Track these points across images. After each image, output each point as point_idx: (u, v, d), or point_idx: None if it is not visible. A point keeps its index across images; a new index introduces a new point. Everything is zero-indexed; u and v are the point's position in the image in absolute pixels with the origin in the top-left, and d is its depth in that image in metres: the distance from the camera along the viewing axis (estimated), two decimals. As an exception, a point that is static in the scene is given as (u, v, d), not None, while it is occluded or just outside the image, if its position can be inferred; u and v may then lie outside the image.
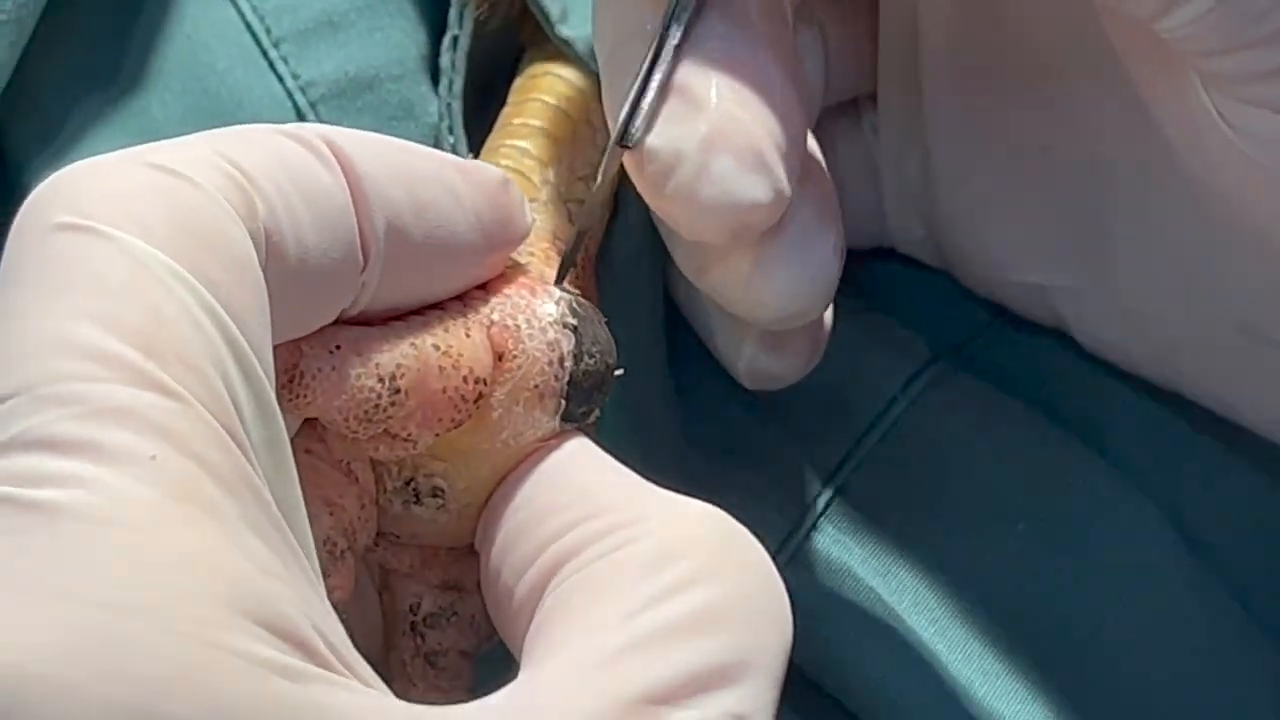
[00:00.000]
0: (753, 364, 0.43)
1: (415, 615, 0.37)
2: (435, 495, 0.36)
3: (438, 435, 0.35)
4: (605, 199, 0.43)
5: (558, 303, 0.36)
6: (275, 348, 0.32)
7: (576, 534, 0.34)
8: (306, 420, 0.35)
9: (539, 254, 0.39)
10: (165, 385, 0.28)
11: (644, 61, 0.37)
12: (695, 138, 0.37)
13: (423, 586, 0.38)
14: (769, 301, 0.40)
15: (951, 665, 0.44)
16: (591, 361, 0.36)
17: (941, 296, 0.47)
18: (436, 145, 0.47)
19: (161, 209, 0.29)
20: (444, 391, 0.34)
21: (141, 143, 0.32)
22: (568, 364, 0.36)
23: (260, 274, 0.30)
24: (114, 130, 0.46)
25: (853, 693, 0.44)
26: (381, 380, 0.33)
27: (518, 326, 0.35)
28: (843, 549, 0.45)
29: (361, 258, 0.33)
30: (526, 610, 0.34)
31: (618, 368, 0.37)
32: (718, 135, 0.37)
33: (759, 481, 0.46)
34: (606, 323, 0.37)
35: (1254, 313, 0.42)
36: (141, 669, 0.26)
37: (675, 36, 0.37)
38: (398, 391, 0.34)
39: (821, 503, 0.45)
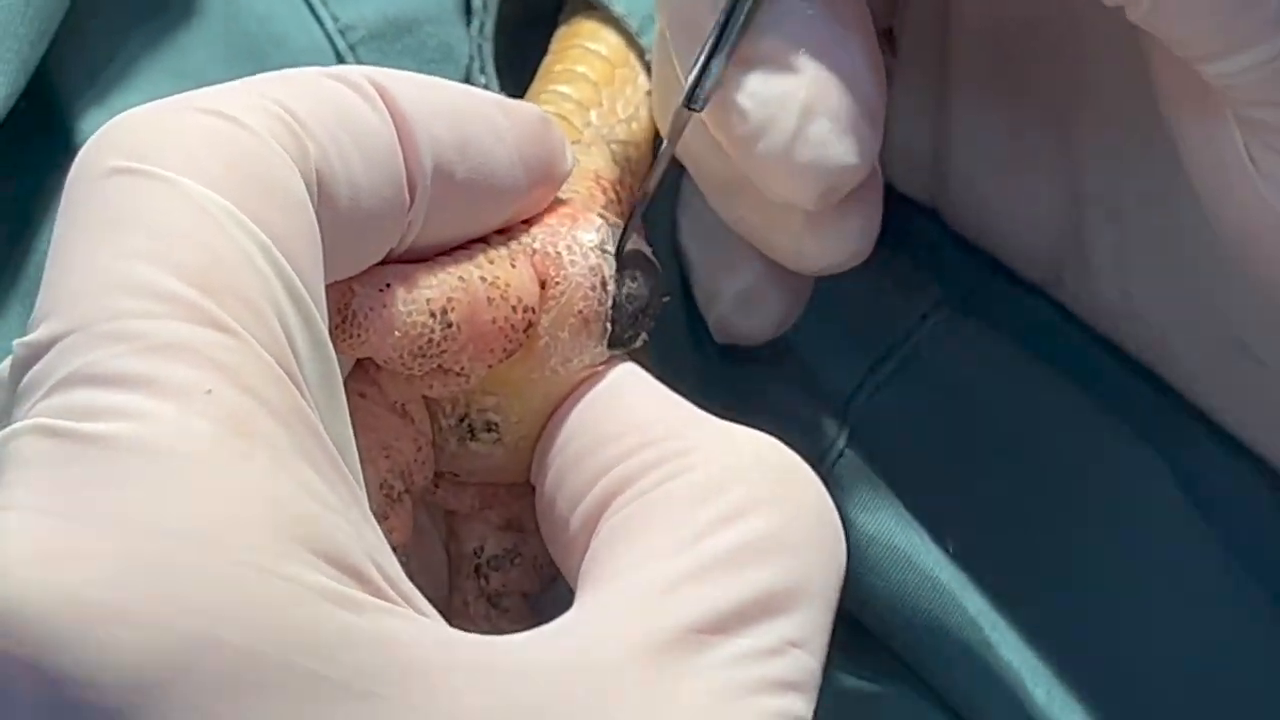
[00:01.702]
0: (722, 320, 0.43)
1: (479, 558, 0.38)
2: (490, 429, 0.37)
3: (490, 367, 0.35)
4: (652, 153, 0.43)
5: (598, 230, 0.37)
6: (327, 288, 0.32)
7: (630, 464, 0.34)
8: (358, 364, 0.36)
9: (582, 192, 0.40)
10: (221, 322, 0.28)
11: (715, 27, 0.37)
12: (794, 100, 0.37)
13: (486, 528, 0.38)
14: (818, 253, 0.40)
15: (967, 597, 0.43)
16: (635, 285, 0.37)
17: (946, 245, 0.47)
18: (467, 74, 0.47)
19: (215, 152, 0.30)
20: (494, 322, 0.35)
21: (184, 84, 0.32)
22: (610, 289, 0.36)
23: (313, 215, 0.31)
24: (157, 71, 0.46)
25: (884, 623, 0.44)
26: (433, 315, 0.34)
27: (559, 254, 0.36)
28: (863, 479, 0.45)
29: (408, 196, 0.33)
30: (581, 540, 0.34)
31: (664, 294, 0.38)
32: (815, 99, 0.37)
33: (776, 421, 0.46)
34: (652, 251, 0.38)
35: (1248, 333, 0.42)
36: (197, 596, 0.27)
37: (748, 3, 0.38)
38: (450, 325, 0.34)
39: (841, 438, 0.45)
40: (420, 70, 0.38)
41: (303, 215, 0.31)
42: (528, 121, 0.36)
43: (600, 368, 0.37)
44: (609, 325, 0.36)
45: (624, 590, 0.32)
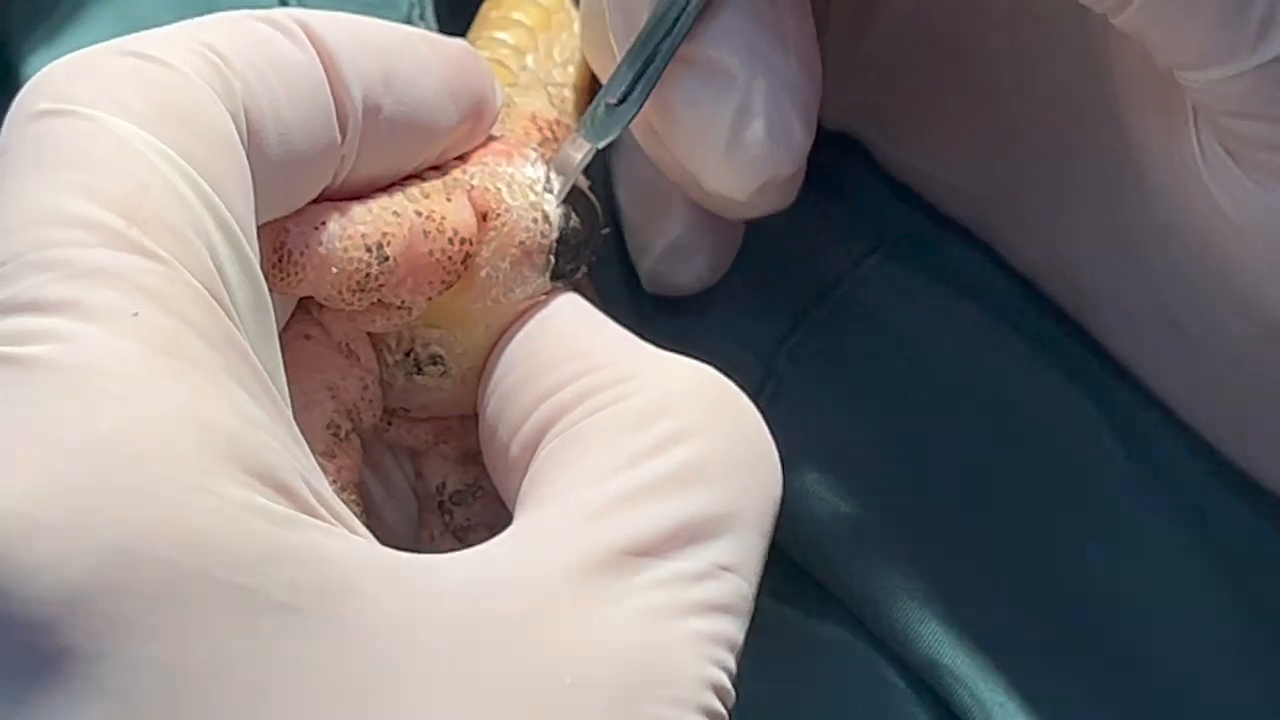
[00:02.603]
0: (653, 273, 0.43)
1: (442, 494, 0.39)
2: (435, 362, 0.37)
3: (430, 299, 0.36)
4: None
5: (535, 164, 0.37)
6: (261, 228, 0.33)
7: (568, 391, 0.35)
8: (301, 306, 0.36)
9: (518, 131, 0.40)
10: (148, 249, 0.29)
11: (652, 25, 0.38)
12: (728, 104, 0.38)
13: (446, 464, 0.39)
14: (741, 174, 0.40)
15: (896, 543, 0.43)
16: (572, 219, 0.37)
17: (879, 190, 0.47)
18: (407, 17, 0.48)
19: (139, 91, 0.31)
20: (431, 254, 0.35)
21: (129, 27, 0.33)
22: (553, 222, 0.37)
23: (241, 150, 0.32)
24: (104, 13, 0.46)
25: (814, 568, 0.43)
26: (369, 249, 0.35)
27: (499, 188, 0.37)
28: (796, 420, 0.43)
29: (339, 132, 0.34)
30: (520, 466, 0.35)
31: (604, 227, 0.39)
32: (749, 102, 0.38)
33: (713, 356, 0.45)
34: (590, 186, 0.39)
35: (1181, 311, 0.42)
36: (124, 511, 0.27)
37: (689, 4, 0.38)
38: (386, 259, 0.35)
39: (769, 384, 0.45)
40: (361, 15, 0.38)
41: (230, 149, 0.31)
42: (453, 55, 0.36)
43: (542, 298, 0.37)
44: (552, 258, 0.37)
45: (557, 513, 0.32)
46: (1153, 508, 0.43)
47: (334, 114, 0.34)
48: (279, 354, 0.32)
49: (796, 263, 0.46)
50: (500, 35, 0.44)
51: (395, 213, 0.35)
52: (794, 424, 0.40)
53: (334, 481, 0.35)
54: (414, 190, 0.36)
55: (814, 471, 0.43)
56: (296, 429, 0.31)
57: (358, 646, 0.28)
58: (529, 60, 0.43)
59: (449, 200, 0.36)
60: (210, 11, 0.34)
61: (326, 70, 0.34)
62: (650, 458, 0.33)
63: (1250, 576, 0.42)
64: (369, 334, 0.37)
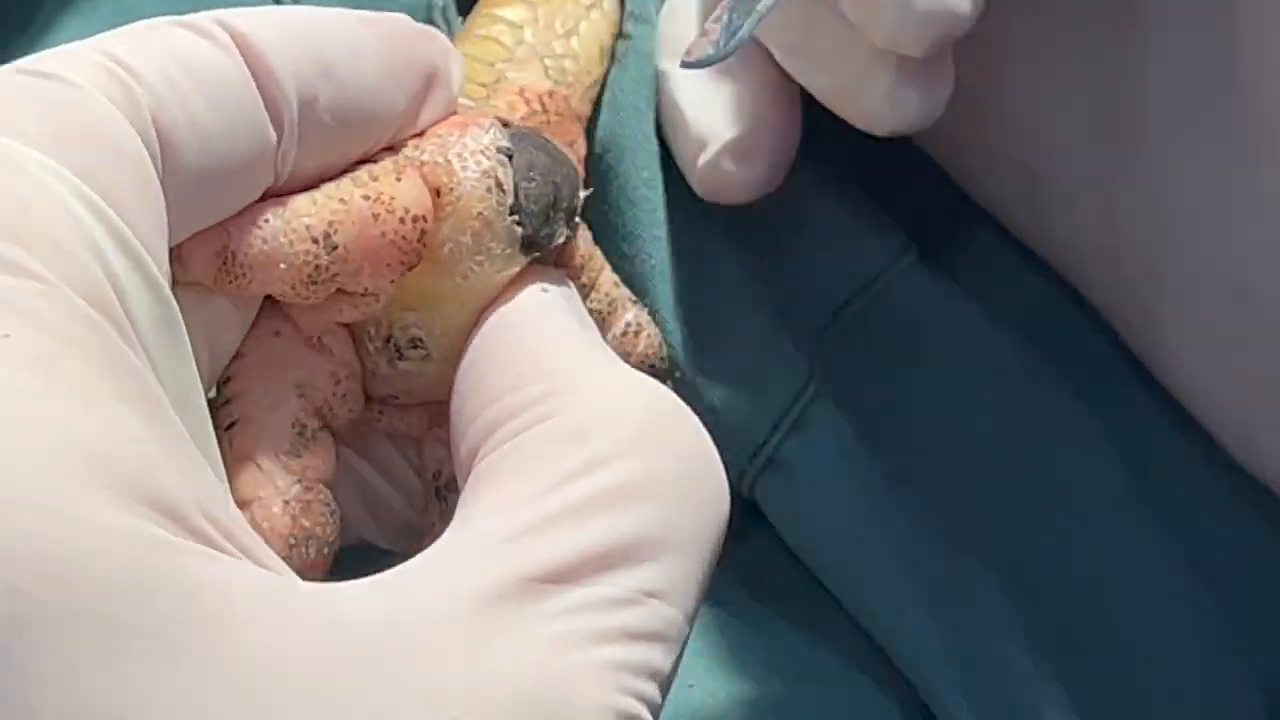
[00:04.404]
0: (711, 168, 0.43)
1: (438, 481, 0.38)
2: (415, 346, 0.37)
3: (393, 281, 0.36)
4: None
5: (488, 130, 0.36)
6: (205, 233, 0.33)
7: (511, 399, 0.34)
8: (270, 303, 0.36)
9: (503, 105, 0.40)
10: (25, 268, 0.28)
11: None
12: None
13: (443, 450, 0.38)
14: (895, 113, 0.40)
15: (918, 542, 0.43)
16: (533, 184, 0.36)
17: (920, 193, 0.47)
18: (429, 10, 0.48)
19: (32, 108, 0.31)
20: (383, 236, 0.35)
21: (122, 18, 0.33)
22: (508, 187, 0.36)
23: (149, 164, 0.31)
24: (86, 18, 0.47)
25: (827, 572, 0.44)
26: (315, 240, 0.34)
27: (449, 160, 0.36)
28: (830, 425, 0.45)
29: (274, 130, 0.34)
30: (465, 470, 0.34)
31: (577, 188, 0.38)
32: None
33: (749, 356, 0.45)
34: (553, 145, 0.38)
35: (1249, 273, 0.41)
36: None
37: None
38: (335, 247, 0.35)
39: (808, 380, 0.45)
40: (371, 4, 0.38)
41: (133, 164, 0.31)
42: (395, 31, 0.36)
43: (522, 274, 0.36)
44: (517, 227, 0.36)
45: (473, 538, 0.31)
46: (1147, 523, 0.44)
47: (265, 113, 0.33)
48: (193, 370, 0.31)
49: (836, 254, 0.46)
50: (500, 11, 0.44)
51: (342, 200, 0.35)
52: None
53: (299, 481, 0.35)
54: (362, 174, 0.36)
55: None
56: (197, 450, 0.30)
57: (228, 679, 0.27)
58: (527, 33, 0.43)
59: (399, 180, 0.36)
60: (202, 4, 0.34)
61: (254, 69, 0.33)
62: (572, 481, 0.32)
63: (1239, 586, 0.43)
64: (346, 325, 0.37)
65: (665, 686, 0.31)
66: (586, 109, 0.44)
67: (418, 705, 0.28)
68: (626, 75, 0.46)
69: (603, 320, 0.41)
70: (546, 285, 0.37)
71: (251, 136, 0.33)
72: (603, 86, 0.46)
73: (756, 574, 0.45)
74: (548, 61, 0.43)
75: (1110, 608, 0.43)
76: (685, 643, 0.32)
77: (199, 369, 0.33)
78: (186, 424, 0.30)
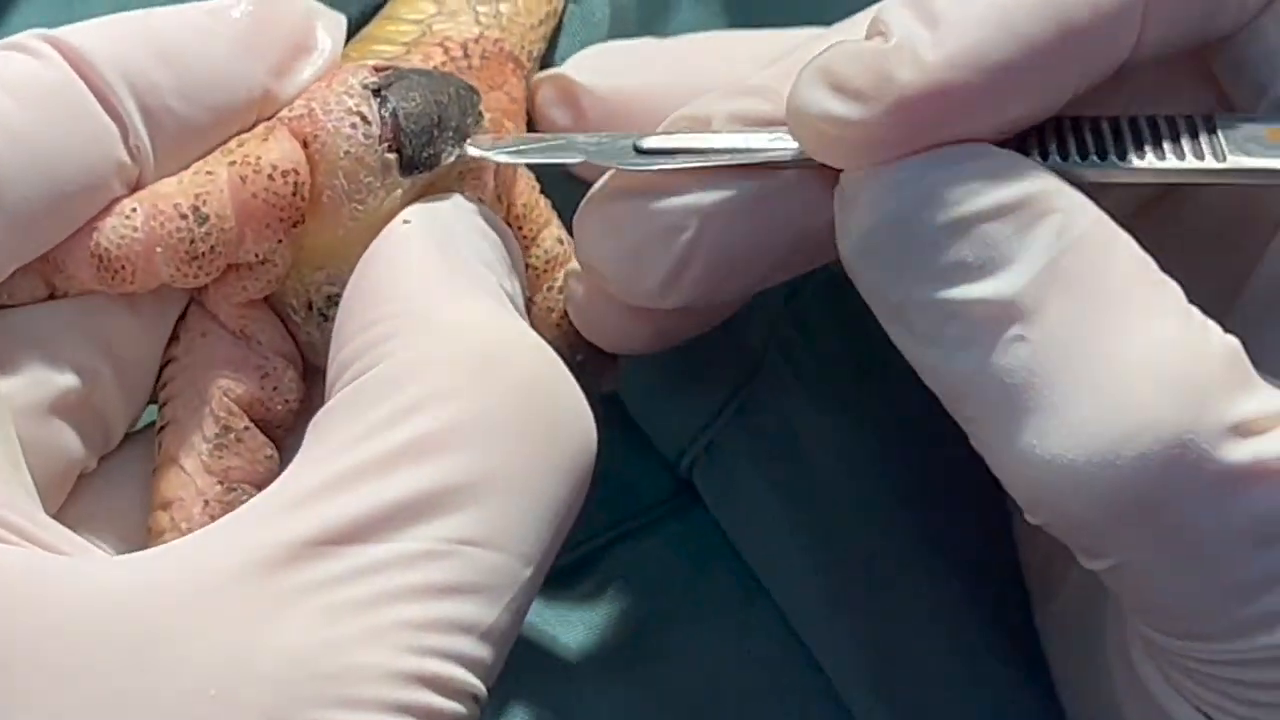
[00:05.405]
0: None
1: None
2: (335, 303, 0.36)
3: (281, 242, 0.35)
4: None
5: (355, 75, 0.36)
6: (76, 238, 0.34)
7: (359, 341, 0.33)
8: (195, 305, 0.36)
9: (417, 58, 0.40)
10: None
11: None
12: None
13: None
14: None
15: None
16: (413, 103, 0.36)
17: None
18: None
19: None
20: (256, 198, 0.35)
21: (68, 14, 0.34)
22: (372, 118, 0.35)
23: None
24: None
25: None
26: (184, 216, 0.34)
27: (313, 109, 0.36)
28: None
29: (119, 130, 0.34)
30: None
31: (469, 110, 0.37)
32: None
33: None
34: (444, 76, 0.37)
35: None
36: None
37: None
38: (206, 219, 0.34)
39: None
40: None
41: None
42: (244, 11, 0.36)
43: (411, 200, 0.36)
44: (390, 154, 0.36)
45: (255, 504, 0.30)
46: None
47: (105, 117, 0.34)
48: None
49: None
50: None
51: (208, 172, 0.35)
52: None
53: (220, 482, 0.35)
54: (231, 144, 0.35)
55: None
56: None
57: None
58: None
59: (265, 140, 0.35)
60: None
61: (87, 80, 0.34)
62: (381, 431, 0.31)
63: None
64: (270, 306, 0.37)
65: (497, 637, 0.30)
66: (530, 49, 0.43)
67: (164, 684, 0.27)
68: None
69: (537, 277, 0.39)
70: (410, 215, 0.36)
71: (94, 141, 0.33)
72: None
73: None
74: (480, 9, 0.42)
75: None
76: (532, 585, 0.31)
77: (101, 385, 0.34)
78: None
